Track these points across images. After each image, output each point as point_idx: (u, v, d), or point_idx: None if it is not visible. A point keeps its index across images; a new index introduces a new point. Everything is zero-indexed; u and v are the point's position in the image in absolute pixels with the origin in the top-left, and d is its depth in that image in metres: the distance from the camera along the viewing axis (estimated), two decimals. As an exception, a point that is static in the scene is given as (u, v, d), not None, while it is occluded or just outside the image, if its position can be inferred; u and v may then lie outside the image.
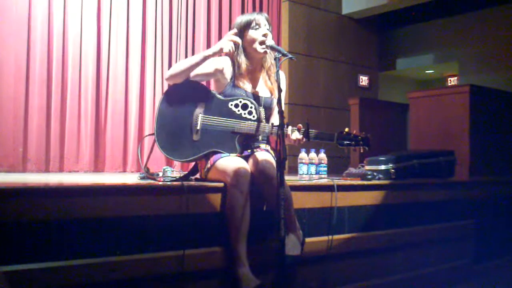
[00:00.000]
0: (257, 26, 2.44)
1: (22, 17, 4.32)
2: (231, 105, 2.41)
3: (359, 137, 2.48)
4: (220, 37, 5.58)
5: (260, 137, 2.50)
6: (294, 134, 2.35)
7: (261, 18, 2.46)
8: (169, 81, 2.43)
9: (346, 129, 2.49)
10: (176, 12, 5.27)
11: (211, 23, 5.54)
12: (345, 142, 2.47)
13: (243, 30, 2.47)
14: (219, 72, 2.48)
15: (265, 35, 2.43)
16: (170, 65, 5.19)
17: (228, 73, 2.49)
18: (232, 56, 2.50)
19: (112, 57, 4.82)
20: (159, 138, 2.41)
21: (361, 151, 2.51)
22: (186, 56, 5.30)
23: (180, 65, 2.39)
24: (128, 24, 4.94)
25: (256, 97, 2.50)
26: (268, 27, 2.47)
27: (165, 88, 2.52)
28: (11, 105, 4.23)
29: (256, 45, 2.44)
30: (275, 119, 2.54)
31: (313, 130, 2.39)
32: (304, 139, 2.37)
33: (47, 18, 4.45)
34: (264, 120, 2.46)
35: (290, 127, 2.38)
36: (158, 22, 5.13)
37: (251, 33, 2.45)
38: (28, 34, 4.35)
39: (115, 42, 4.84)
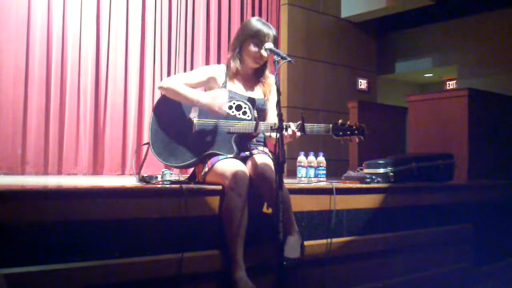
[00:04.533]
0: (260, 43, 2.44)
1: (22, 19, 4.32)
2: (225, 107, 2.42)
3: (354, 127, 2.48)
4: (219, 41, 5.60)
5: (256, 138, 2.50)
6: (290, 129, 2.35)
7: (267, 35, 2.44)
8: (162, 91, 2.45)
9: (340, 120, 2.49)
10: (175, 16, 5.28)
11: (210, 27, 5.55)
12: (340, 132, 2.46)
13: (248, 36, 2.47)
14: (212, 79, 2.52)
15: (261, 56, 2.45)
16: (169, 68, 5.20)
17: (221, 79, 2.52)
18: (229, 61, 2.52)
19: (111, 59, 4.82)
20: (155, 145, 2.41)
21: (357, 141, 2.50)
22: (185, 59, 5.30)
23: (176, 88, 2.39)
24: (128, 26, 4.94)
25: (250, 99, 2.50)
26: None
27: (161, 92, 2.52)
28: (10, 107, 4.23)
29: (250, 61, 2.48)
30: (270, 121, 2.54)
31: (309, 124, 2.39)
32: (300, 133, 2.37)
33: (46, 21, 4.45)
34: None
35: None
36: (157, 25, 5.13)
37: (251, 47, 2.46)
38: (27, 37, 4.35)
39: (115, 45, 4.85)
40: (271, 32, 2.46)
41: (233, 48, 2.53)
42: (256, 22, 2.49)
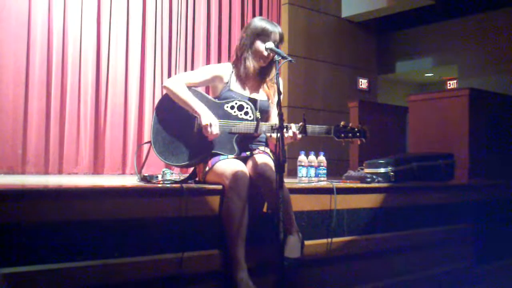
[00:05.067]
0: (267, 39, 2.44)
1: (22, 20, 4.32)
2: (227, 107, 2.42)
3: (356, 129, 2.47)
4: (220, 41, 5.60)
5: (259, 138, 2.50)
6: (291, 130, 2.35)
7: (273, 33, 2.43)
8: (165, 90, 2.45)
9: (342, 122, 2.48)
10: (176, 16, 5.28)
11: (211, 27, 5.55)
12: (342, 134, 2.46)
13: (255, 35, 2.45)
14: (217, 78, 2.50)
15: (267, 54, 2.43)
16: (169, 68, 5.20)
17: (225, 78, 2.51)
18: (237, 62, 2.51)
19: (112, 59, 4.82)
20: (156, 144, 2.41)
21: (358, 143, 2.50)
22: (185, 60, 5.31)
23: (178, 92, 2.38)
24: (128, 26, 4.95)
25: (252, 100, 2.50)
26: (278, 43, 2.46)
27: (164, 91, 2.52)
28: (11, 107, 4.23)
29: (257, 59, 2.46)
30: (273, 122, 2.54)
31: (310, 125, 2.39)
32: (301, 134, 2.37)
33: (47, 22, 4.46)
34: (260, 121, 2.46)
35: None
36: (158, 25, 5.13)
37: (259, 45, 2.45)
38: (27, 37, 4.35)
39: (115, 45, 4.85)
40: (277, 29, 2.45)
41: (240, 50, 2.51)
42: (260, 21, 2.48)
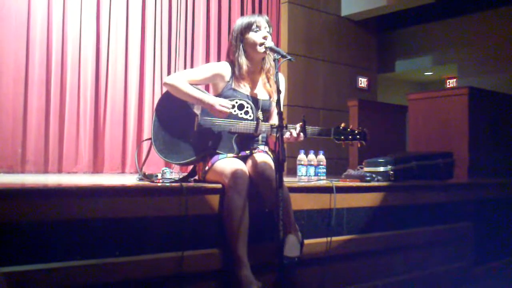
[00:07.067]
0: (257, 29, 2.45)
1: (22, 19, 4.31)
2: None
3: (356, 132, 2.48)
4: (219, 40, 5.59)
5: (259, 138, 2.51)
6: (294, 131, 2.36)
7: (261, 21, 2.47)
8: (166, 87, 2.45)
9: (343, 124, 2.49)
10: (176, 15, 5.27)
11: (211, 26, 5.54)
12: (342, 136, 2.46)
13: (244, 32, 2.47)
14: (218, 76, 2.49)
15: (265, 38, 2.43)
16: (169, 66, 5.20)
17: (227, 76, 2.50)
18: (234, 61, 2.51)
19: (111, 58, 4.82)
20: (156, 142, 2.42)
21: (358, 145, 2.50)
22: (185, 58, 5.30)
23: (180, 86, 2.38)
24: (128, 24, 4.94)
25: (254, 99, 2.50)
26: (268, 30, 2.48)
27: (164, 89, 2.52)
28: (10, 106, 4.23)
29: (257, 47, 2.45)
30: (274, 121, 2.54)
31: (310, 127, 2.39)
32: (301, 135, 2.37)
33: (47, 20, 4.45)
34: (261, 120, 2.46)
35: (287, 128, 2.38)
36: (158, 24, 5.13)
37: (252, 35, 2.45)
38: (27, 36, 4.34)
39: (115, 44, 4.84)
40: (261, 17, 2.48)
41: (232, 51, 2.51)
42: (241, 19, 2.52)
